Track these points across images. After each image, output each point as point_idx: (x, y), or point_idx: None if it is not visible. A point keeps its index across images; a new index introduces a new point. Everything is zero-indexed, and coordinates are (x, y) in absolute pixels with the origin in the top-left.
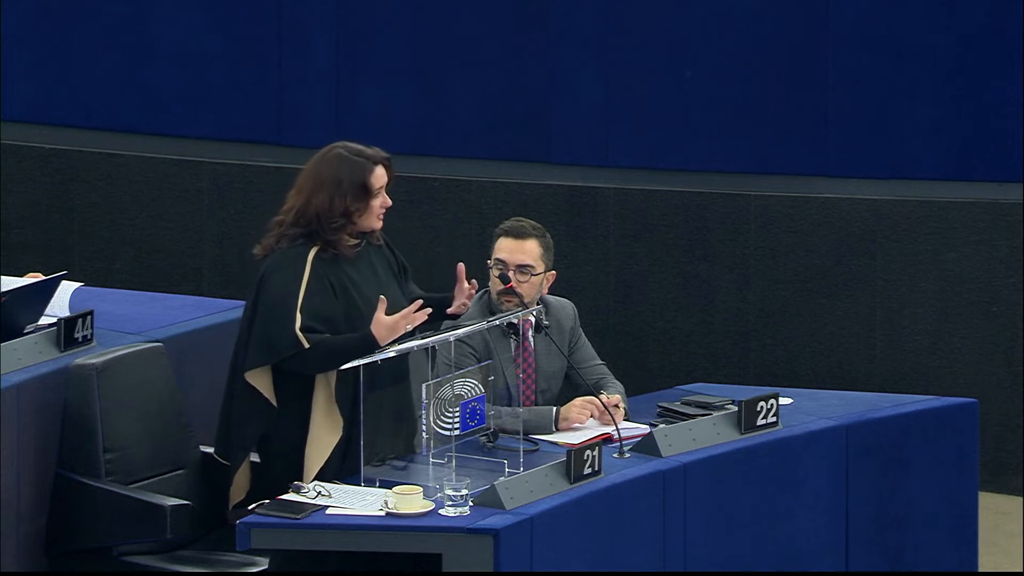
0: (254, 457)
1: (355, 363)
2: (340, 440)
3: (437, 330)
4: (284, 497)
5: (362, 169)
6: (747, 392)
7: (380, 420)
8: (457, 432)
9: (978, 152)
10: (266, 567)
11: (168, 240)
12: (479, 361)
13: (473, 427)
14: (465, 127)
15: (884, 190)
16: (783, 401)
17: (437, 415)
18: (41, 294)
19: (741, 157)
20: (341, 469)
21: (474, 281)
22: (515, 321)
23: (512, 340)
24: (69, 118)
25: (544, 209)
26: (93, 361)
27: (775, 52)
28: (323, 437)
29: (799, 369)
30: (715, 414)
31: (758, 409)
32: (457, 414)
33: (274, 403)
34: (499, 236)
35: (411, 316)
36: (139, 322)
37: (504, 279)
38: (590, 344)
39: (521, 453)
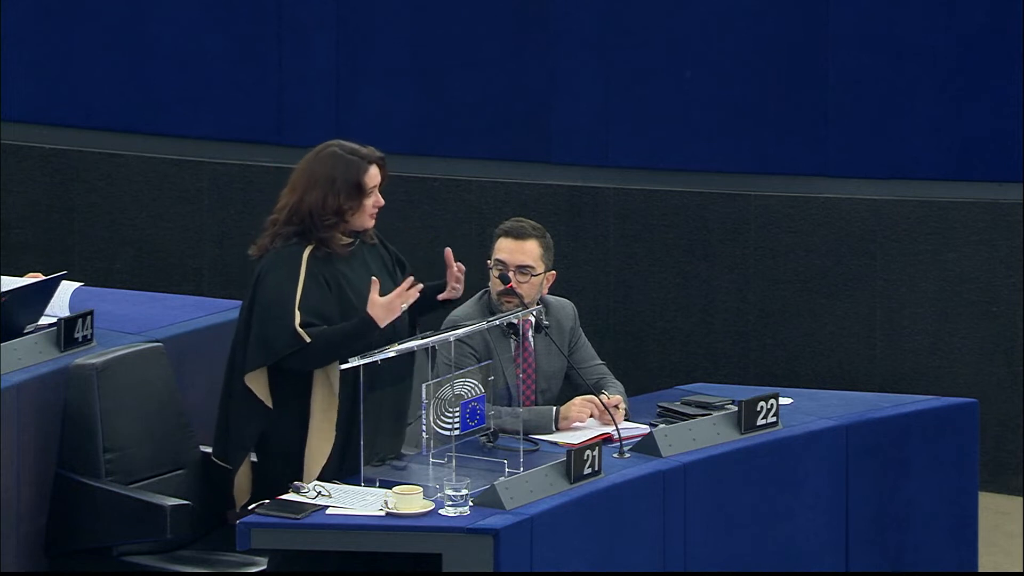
0: (252, 457)
1: (356, 362)
2: (339, 440)
3: (434, 327)
4: (284, 497)
5: (356, 168)
6: (747, 392)
7: (380, 420)
8: (457, 432)
9: (978, 152)
10: (265, 567)
11: (168, 240)
12: (479, 361)
13: (473, 427)
14: (465, 127)
15: (884, 190)
16: (783, 401)
17: (437, 415)
18: (41, 294)
19: (741, 157)
20: (340, 469)
21: (462, 265)
22: (515, 321)
23: (512, 340)
24: (69, 118)
25: (544, 209)
26: (93, 361)
27: (775, 52)
28: (322, 437)
29: (799, 369)
30: (715, 414)
31: (758, 409)
32: (457, 414)
33: (269, 404)
34: (499, 236)
35: (405, 294)
36: (139, 322)
37: (504, 279)
38: (590, 344)
39: (521, 453)
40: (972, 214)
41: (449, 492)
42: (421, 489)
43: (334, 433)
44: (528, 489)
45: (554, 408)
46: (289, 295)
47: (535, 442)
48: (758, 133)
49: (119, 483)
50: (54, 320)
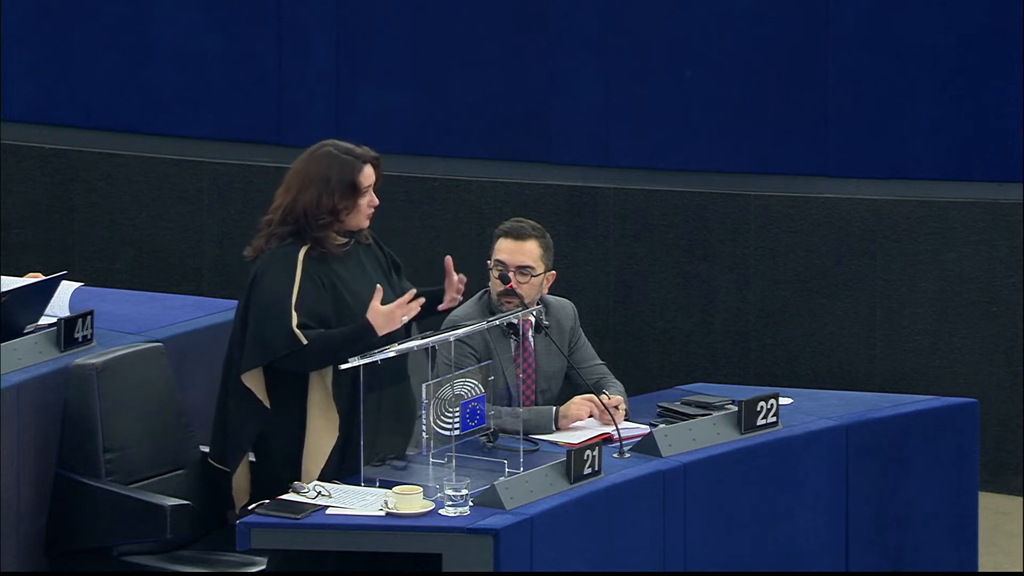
0: (251, 457)
1: (354, 363)
2: (338, 440)
3: (434, 327)
4: (284, 497)
5: (351, 167)
6: (747, 392)
7: (380, 420)
8: (457, 432)
9: (978, 152)
10: (265, 567)
11: (168, 240)
12: (479, 361)
13: (473, 427)
14: (465, 127)
15: (884, 190)
16: (783, 401)
17: (437, 415)
18: (41, 294)
19: (741, 157)
20: (340, 469)
21: (463, 276)
22: (515, 321)
23: (512, 340)
24: (69, 118)
25: (544, 209)
26: (93, 361)
27: (775, 52)
28: (321, 437)
29: (799, 369)
30: (715, 414)
31: (758, 409)
32: (457, 414)
33: (267, 404)
34: (499, 237)
35: (407, 306)
36: (139, 322)
37: (504, 280)
38: (590, 344)
39: (521, 453)
40: (972, 214)
41: (449, 492)
42: (421, 489)
43: (333, 433)
44: (528, 489)
45: (554, 408)
46: (285, 296)
47: (535, 442)
48: (758, 133)
49: (119, 483)
50: (54, 320)
